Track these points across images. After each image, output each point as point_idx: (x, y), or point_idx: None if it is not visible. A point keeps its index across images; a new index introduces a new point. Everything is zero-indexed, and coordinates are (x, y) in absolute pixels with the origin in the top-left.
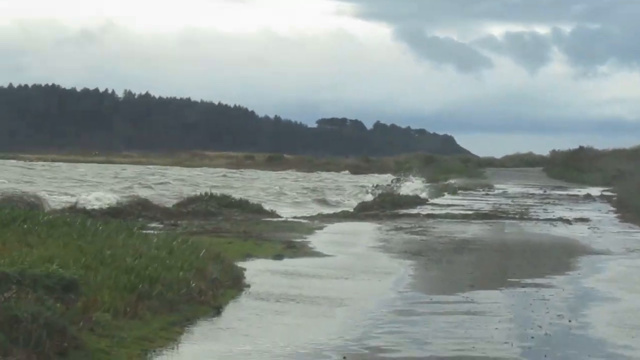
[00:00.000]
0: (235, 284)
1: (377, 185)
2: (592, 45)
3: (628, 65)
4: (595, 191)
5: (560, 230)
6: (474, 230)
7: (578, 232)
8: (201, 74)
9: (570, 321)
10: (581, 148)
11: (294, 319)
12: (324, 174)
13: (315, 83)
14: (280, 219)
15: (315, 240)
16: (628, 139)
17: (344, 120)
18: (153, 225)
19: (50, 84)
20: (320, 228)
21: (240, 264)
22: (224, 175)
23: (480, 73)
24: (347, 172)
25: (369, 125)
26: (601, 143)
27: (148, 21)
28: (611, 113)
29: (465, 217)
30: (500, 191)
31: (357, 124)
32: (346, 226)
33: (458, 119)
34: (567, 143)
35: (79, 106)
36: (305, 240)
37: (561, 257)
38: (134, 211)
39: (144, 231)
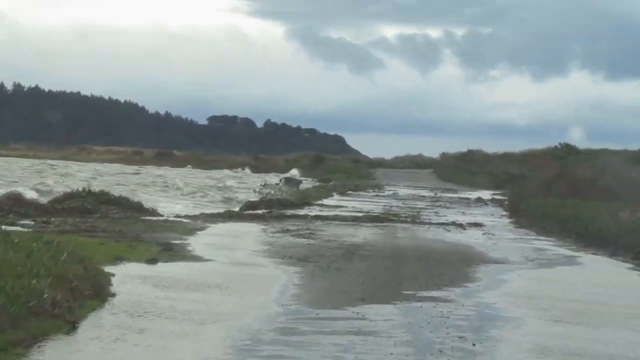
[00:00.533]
0: (99, 293)
1: (265, 184)
2: (484, 49)
3: (518, 70)
4: (486, 194)
5: (455, 236)
6: (364, 234)
7: (473, 238)
8: (93, 69)
9: (474, 345)
10: (470, 151)
11: (159, 340)
12: (216, 172)
13: (207, 80)
14: (160, 218)
15: (195, 242)
16: (517, 143)
17: (234, 117)
18: (23, 222)
19: None
20: (202, 229)
21: (108, 269)
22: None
23: (372, 74)
24: (247, 169)
25: (259, 124)
26: (491, 146)
27: (41, 14)
28: (501, 117)
29: (355, 220)
30: (391, 192)
31: (248, 122)
32: (230, 227)
33: (349, 120)
34: (457, 145)
35: None
36: (184, 242)
37: (458, 265)
38: (3, 207)
39: (11, 228)
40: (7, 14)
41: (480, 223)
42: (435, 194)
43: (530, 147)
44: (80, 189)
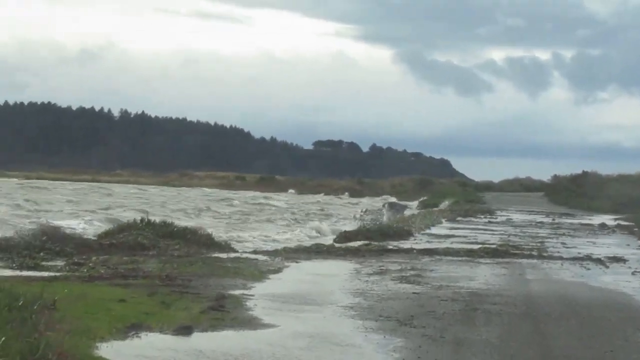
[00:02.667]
0: None
1: (366, 211)
2: (593, 71)
3: (628, 92)
4: (607, 219)
5: (599, 277)
6: (484, 274)
7: (622, 279)
8: (199, 95)
9: None
10: (585, 173)
11: None
12: (316, 197)
13: (313, 105)
14: (231, 255)
15: (262, 293)
16: (626, 165)
17: (340, 142)
18: (51, 264)
19: (46, 102)
20: (279, 270)
21: (107, 350)
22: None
23: (479, 97)
24: (346, 194)
25: (365, 148)
26: (602, 168)
27: (147, 41)
28: (610, 139)
29: (470, 254)
30: (504, 218)
31: (353, 147)
32: (315, 266)
33: (456, 143)
34: (565, 168)
35: (75, 125)
36: (246, 292)
37: (627, 331)
38: (36, 243)
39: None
40: (114, 41)
41: (621, 257)
42: (553, 219)
43: None
44: (139, 220)
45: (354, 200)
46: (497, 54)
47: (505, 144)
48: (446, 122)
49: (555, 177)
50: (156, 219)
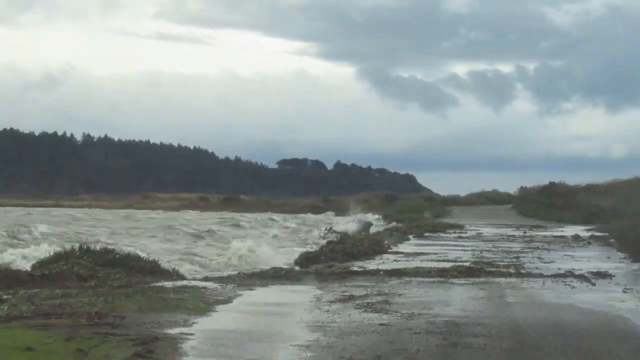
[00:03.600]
0: None
1: (330, 229)
2: (556, 83)
3: (592, 102)
4: (579, 230)
5: (586, 295)
6: (460, 297)
7: (615, 298)
8: (161, 117)
9: None
10: (552, 184)
11: None
12: (277, 216)
13: (277, 124)
14: (178, 284)
15: (204, 330)
16: (593, 175)
17: (304, 160)
18: None
19: (8, 128)
20: (228, 300)
21: None
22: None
23: (444, 111)
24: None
25: (329, 166)
26: (568, 179)
27: (109, 64)
28: (576, 149)
29: (442, 274)
30: (474, 232)
31: (318, 164)
32: (270, 294)
33: (421, 158)
34: (532, 180)
35: (37, 150)
36: (185, 331)
37: None
38: None
39: None
40: (76, 65)
41: (605, 272)
42: (524, 232)
43: (613, 178)
44: (77, 247)
45: (320, 216)
46: (461, 68)
47: (471, 158)
48: (411, 137)
49: (523, 189)
50: (97, 246)
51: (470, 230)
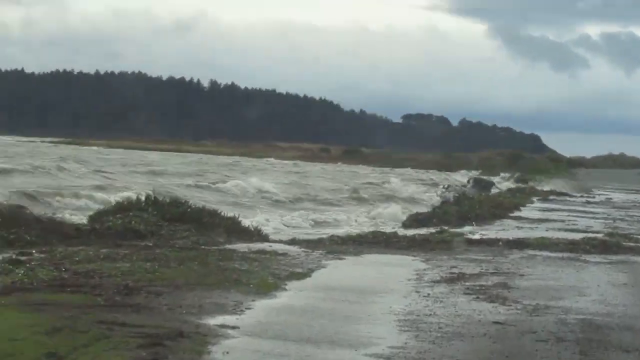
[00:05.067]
0: None
1: (448, 187)
2: None
3: None
4: None
5: None
6: (597, 283)
7: None
8: (290, 67)
9: None
10: None
11: None
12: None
13: (404, 79)
14: (256, 246)
15: (255, 322)
16: None
17: (429, 116)
18: None
19: (137, 71)
20: (307, 274)
21: None
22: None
23: (574, 73)
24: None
25: (454, 122)
26: None
27: (240, 11)
28: None
29: (572, 248)
30: (603, 198)
31: (443, 120)
32: (361, 267)
33: (547, 119)
34: None
35: (164, 95)
36: (228, 321)
37: None
38: None
39: None
40: (208, 11)
41: None
42: None
43: None
44: (143, 197)
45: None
46: (593, 30)
47: (598, 120)
48: (539, 97)
49: None
50: (166, 197)
51: (599, 194)
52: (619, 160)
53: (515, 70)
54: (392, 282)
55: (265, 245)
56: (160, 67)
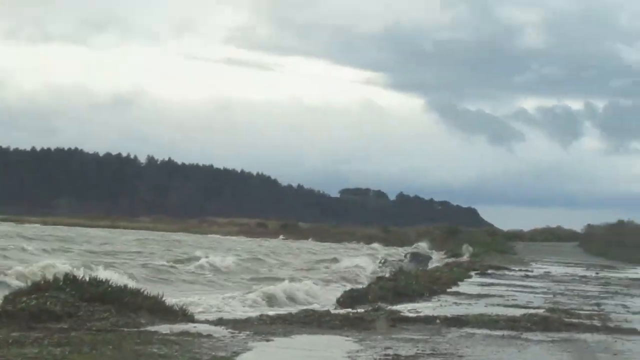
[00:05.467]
0: None
1: (384, 261)
2: (625, 121)
3: None
4: None
5: None
6: None
7: None
8: (226, 142)
9: None
10: (621, 222)
11: None
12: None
13: (342, 153)
14: (179, 328)
15: None
16: None
17: (367, 190)
18: None
19: (73, 148)
20: (231, 358)
21: None
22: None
23: (511, 146)
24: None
25: (392, 197)
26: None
27: (178, 88)
28: None
29: (513, 325)
30: (541, 271)
31: (380, 195)
32: (289, 352)
33: (484, 192)
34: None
35: (101, 171)
36: None
37: None
38: None
39: None
40: (145, 87)
41: None
42: (597, 273)
43: None
44: (60, 277)
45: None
46: (529, 104)
47: (534, 193)
48: (476, 171)
49: (589, 226)
50: (86, 276)
51: (537, 268)
52: (556, 233)
53: (452, 144)
54: None
55: (189, 327)
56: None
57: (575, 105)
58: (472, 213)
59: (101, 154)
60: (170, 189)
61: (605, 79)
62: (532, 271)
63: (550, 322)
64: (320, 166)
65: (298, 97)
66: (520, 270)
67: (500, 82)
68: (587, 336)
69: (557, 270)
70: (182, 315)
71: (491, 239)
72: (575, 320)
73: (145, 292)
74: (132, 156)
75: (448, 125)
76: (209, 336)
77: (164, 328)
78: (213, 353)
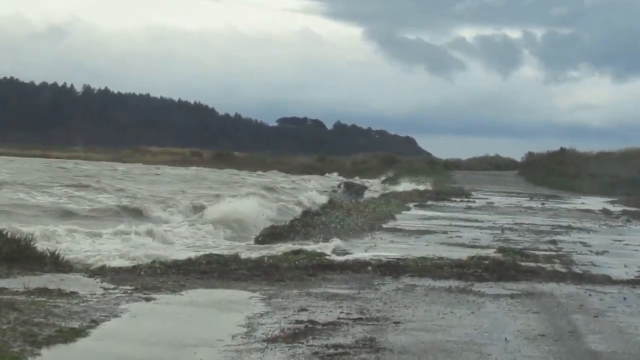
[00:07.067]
0: None
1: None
2: (564, 50)
3: (599, 71)
4: (603, 203)
5: None
6: (505, 333)
7: None
8: (163, 71)
9: None
10: (562, 150)
11: None
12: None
13: (279, 82)
14: (39, 281)
15: None
16: (598, 145)
17: (304, 119)
18: None
19: (8, 77)
20: (86, 330)
21: None
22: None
23: (450, 75)
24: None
25: (329, 126)
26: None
27: (113, 17)
28: (581, 118)
29: (461, 273)
30: (483, 202)
31: (318, 124)
32: (169, 318)
33: (423, 122)
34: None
35: (37, 100)
36: None
37: None
38: None
39: None
40: (82, 16)
41: None
42: (543, 203)
43: (626, 146)
44: None
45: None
46: (469, 32)
47: (474, 123)
48: (415, 100)
49: (530, 154)
50: None
51: (478, 198)
52: (494, 161)
53: (391, 74)
54: (203, 349)
55: (55, 279)
56: (32, 74)
57: (514, 34)
58: (410, 142)
59: (37, 83)
60: (106, 119)
61: (545, 7)
62: (474, 202)
63: (505, 268)
64: (257, 95)
65: (235, 25)
66: (461, 201)
67: (440, 11)
68: (553, 287)
69: (500, 200)
70: (53, 263)
71: (430, 167)
72: (533, 265)
73: (7, 234)
74: (68, 85)
75: (387, 55)
76: (72, 294)
77: (19, 282)
78: (62, 323)
